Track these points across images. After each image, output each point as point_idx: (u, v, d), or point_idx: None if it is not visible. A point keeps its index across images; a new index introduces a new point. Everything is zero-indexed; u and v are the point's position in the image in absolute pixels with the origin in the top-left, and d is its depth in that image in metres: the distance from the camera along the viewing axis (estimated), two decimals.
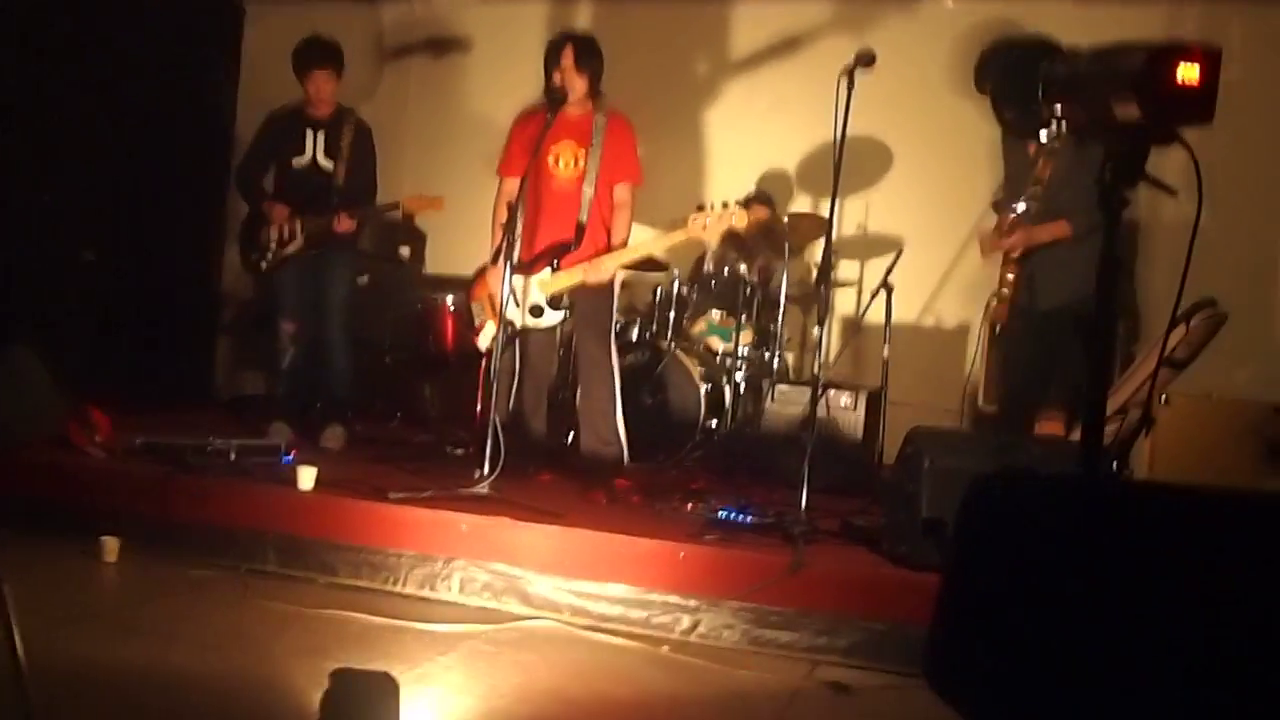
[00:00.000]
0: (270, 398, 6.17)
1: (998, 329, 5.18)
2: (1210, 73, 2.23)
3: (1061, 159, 4.95)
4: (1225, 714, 1.62)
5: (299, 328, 5.98)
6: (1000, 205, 5.30)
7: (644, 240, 5.34)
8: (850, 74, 4.53)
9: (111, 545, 4.45)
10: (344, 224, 5.75)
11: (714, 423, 6.07)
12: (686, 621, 4.01)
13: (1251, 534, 1.72)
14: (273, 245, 5.89)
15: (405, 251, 7.45)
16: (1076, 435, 4.37)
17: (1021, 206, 5.13)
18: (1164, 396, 4.78)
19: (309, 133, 5.91)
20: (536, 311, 5.18)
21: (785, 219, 6.22)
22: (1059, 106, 2.45)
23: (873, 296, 5.92)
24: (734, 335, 6.24)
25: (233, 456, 5.05)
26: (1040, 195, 5.03)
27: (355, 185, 5.91)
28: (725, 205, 4.98)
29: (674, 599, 4.04)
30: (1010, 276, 5.20)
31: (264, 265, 5.94)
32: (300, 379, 6.09)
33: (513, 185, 5.20)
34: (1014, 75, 2.53)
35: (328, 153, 5.90)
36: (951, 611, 2.05)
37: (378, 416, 6.98)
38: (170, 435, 5.22)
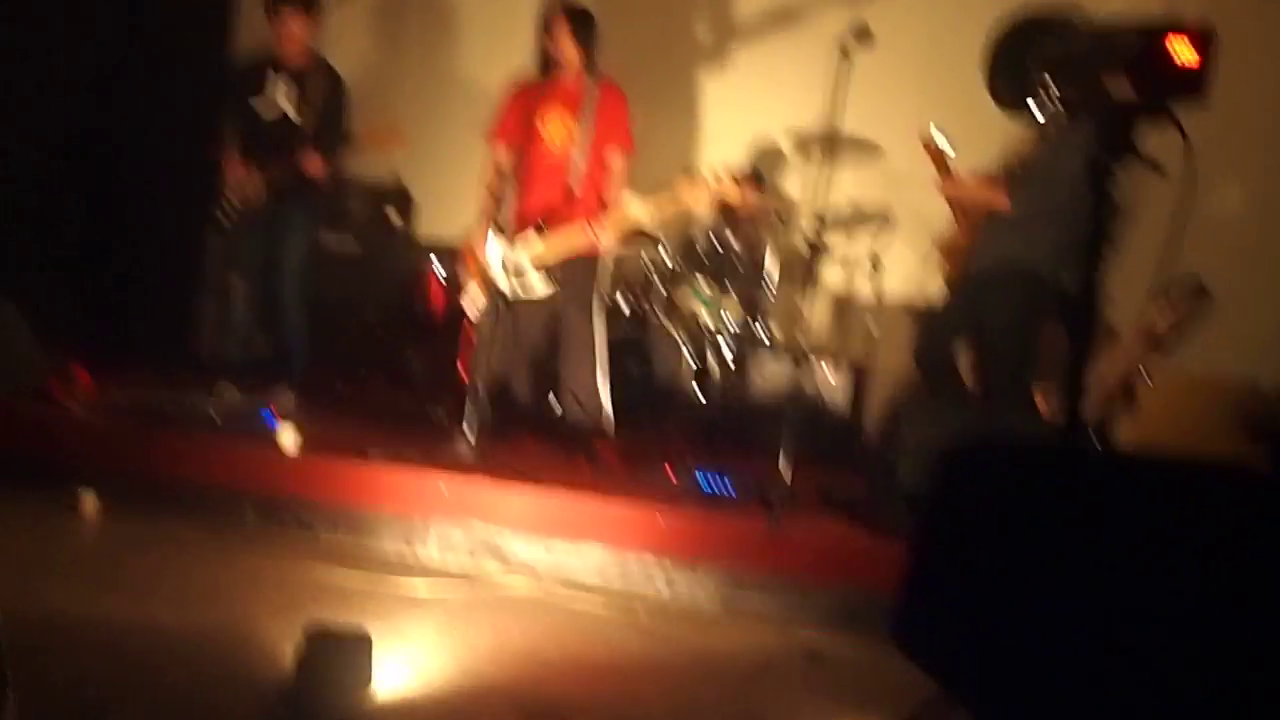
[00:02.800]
0: (221, 357, 5.90)
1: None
2: (1204, 51, 2.22)
3: (1044, 144, 4.94)
4: (1196, 682, 1.63)
5: (251, 285, 5.75)
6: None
7: (636, 208, 5.30)
8: (844, 47, 4.50)
9: (90, 501, 4.43)
10: (313, 163, 5.44)
11: (699, 393, 6.07)
12: (663, 585, 4.02)
13: (1224, 504, 1.72)
14: (234, 200, 5.63)
15: (394, 215, 7.42)
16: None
17: (939, 137, 5.18)
18: (1145, 373, 4.78)
19: (278, 82, 5.62)
20: (523, 278, 5.15)
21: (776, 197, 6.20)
22: (1048, 77, 2.44)
23: (861, 270, 5.92)
24: (720, 306, 6.23)
25: (212, 413, 5.02)
26: (1014, 166, 5.02)
27: (325, 134, 5.59)
28: (718, 179, 4.93)
29: (651, 562, 4.04)
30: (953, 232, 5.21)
31: (224, 220, 5.67)
32: (252, 338, 5.87)
33: (503, 153, 5.18)
34: (1007, 48, 2.52)
35: (298, 105, 5.61)
36: (922, 575, 2.06)
37: (361, 380, 6.96)
38: (151, 391, 5.20)
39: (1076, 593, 1.75)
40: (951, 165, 5.22)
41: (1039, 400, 5.15)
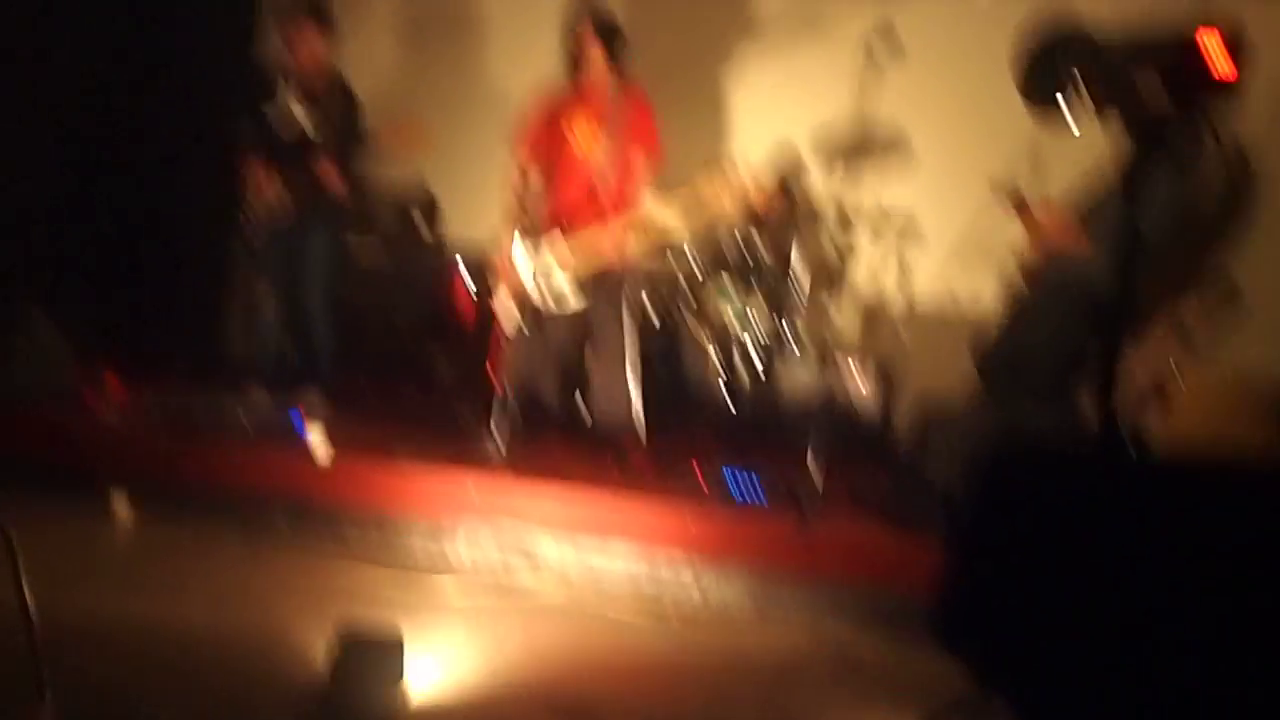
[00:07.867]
0: (250, 361, 5.95)
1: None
2: (1235, 50, 2.21)
3: (1117, 193, 4.94)
4: (1230, 680, 1.62)
5: (278, 291, 5.80)
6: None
7: (663, 212, 5.31)
8: (870, 47, 4.49)
9: (122, 504, 4.46)
10: (329, 176, 5.48)
11: (728, 396, 6.05)
12: (693, 586, 4.01)
13: (1258, 503, 1.71)
14: (257, 206, 5.67)
15: (420, 220, 7.44)
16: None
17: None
18: (1178, 370, 4.74)
19: (292, 96, 5.63)
20: (551, 280, 5.16)
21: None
22: (1080, 77, 2.44)
23: (888, 271, 5.92)
24: (748, 310, 6.21)
25: (242, 417, 5.04)
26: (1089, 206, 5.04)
27: (342, 148, 5.62)
28: (741, 176, 4.96)
29: (682, 564, 4.03)
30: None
31: (248, 227, 5.71)
32: (281, 343, 5.92)
33: (530, 159, 5.20)
34: (1040, 48, 2.52)
35: (314, 122, 5.61)
36: (962, 574, 2.05)
37: (390, 381, 6.98)
38: (181, 396, 5.22)
39: (1113, 592, 1.74)
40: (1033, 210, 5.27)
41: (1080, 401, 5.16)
